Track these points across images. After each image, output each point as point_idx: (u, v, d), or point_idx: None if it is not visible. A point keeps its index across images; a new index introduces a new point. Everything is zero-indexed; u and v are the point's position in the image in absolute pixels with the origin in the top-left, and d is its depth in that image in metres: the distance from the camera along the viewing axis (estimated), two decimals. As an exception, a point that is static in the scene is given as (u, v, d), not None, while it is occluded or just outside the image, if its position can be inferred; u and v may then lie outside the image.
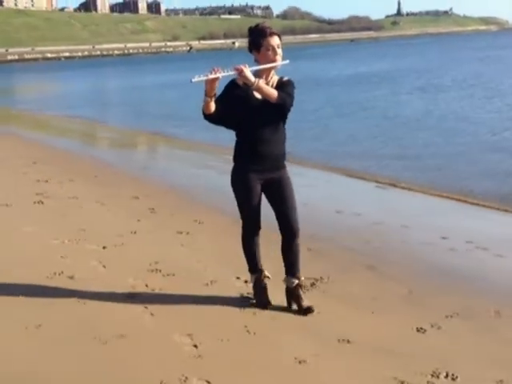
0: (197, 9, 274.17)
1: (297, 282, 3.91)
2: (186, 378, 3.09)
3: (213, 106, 3.60)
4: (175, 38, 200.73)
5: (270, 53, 3.65)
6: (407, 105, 18.87)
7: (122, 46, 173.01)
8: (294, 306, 3.94)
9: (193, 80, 3.43)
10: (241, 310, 4.01)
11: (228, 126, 3.82)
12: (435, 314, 4.02)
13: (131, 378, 3.12)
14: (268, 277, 4.00)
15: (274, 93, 3.58)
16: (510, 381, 3.16)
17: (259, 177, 3.78)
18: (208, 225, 6.34)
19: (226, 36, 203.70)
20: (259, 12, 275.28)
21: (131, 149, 13.70)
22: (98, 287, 4.28)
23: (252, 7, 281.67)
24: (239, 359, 3.33)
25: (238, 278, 4.60)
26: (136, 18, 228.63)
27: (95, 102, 27.68)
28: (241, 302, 4.13)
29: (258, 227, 3.95)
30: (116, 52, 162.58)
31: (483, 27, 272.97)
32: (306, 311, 3.85)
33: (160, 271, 4.69)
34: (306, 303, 3.88)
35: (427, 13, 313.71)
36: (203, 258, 5.14)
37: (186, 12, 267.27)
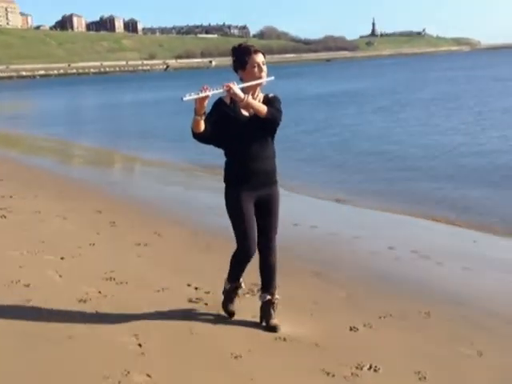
0: (174, 28, 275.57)
1: (268, 297, 3.99)
2: (128, 372, 3.32)
3: (202, 125, 3.63)
4: (152, 57, 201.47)
5: (255, 70, 3.73)
6: (367, 124, 19.40)
7: (98, 64, 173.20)
8: (264, 323, 4.01)
9: (184, 98, 3.47)
10: (188, 313, 4.25)
11: (217, 144, 3.84)
12: (369, 315, 4.32)
13: (77, 374, 3.34)
14: (242, 287, 4.15)
15: (264, 108, 3.64)
16: (428, 372, 3.45)
17: (252, 194, 3.81)
18: (167, 237, 6.57)
19: (203, 55, 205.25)
20: (236, 31, 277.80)
21: (99, 166, 13.85)
22: (51, 294, 4.50)
23: (229, 26, 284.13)
24: (180, 356, 3.57)
25: (188, 285, 4.86)
26: (113, 36, 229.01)
27: (68, 120, 27.83)
28: (189, 306, 4.38)
29: (251, 255, 3.89)
30: (92, 70, 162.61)
31: (455, 47, 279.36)
32: (270, 329, 3.92)
33: (114, 279, 4.92)
34: (273, 322, 3.95)
35: (401, 34, 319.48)
36: (158, 267, 5.38)
37: (163, 31, 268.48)
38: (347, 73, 74.37)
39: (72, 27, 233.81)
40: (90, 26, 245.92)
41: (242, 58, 3.75)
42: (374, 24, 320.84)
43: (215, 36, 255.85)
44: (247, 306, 4.31)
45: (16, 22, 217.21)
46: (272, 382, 3.33)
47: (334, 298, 4.73)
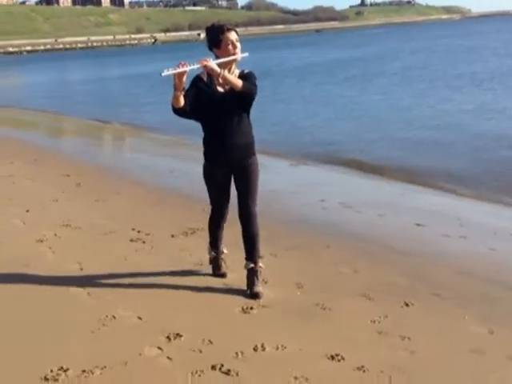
0: (161, 1, 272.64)
1: (251, 265, 4.15)
2: (68, 287, 4.24)
3: (182, 100, 3.76)
4: (139, 31, 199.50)
5: (229, 47, 3.85)
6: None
7: (85, 39, 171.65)
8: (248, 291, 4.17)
9: (162, 74, 3.62)
10: (127, 248, 5.16)
11: (196, 118, 4.00)
12: (279, 247, 5.24)
13: (32, 294, 4.25)
14: (223, 252, 4.47)
15: (240, 82, 3.77)
16: (305, 283, 4.38)
17: (228, 169, 4.04)
18: (125, 195, 7.46)
19: (191, 28, 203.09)
20: (224, 3, 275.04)
21: (76, 136, 14.67)
22: (15, 236, 5.45)
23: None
24: (116, 278, 4.49)
25: (133, 229, 5.76)
26: (99, 10, 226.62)
27: (53, 94, 28.32)
28: (130, 244, 5.29)
29: (224, 213, 4.27)
30: (79, 45, 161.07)
31: (446, 16, 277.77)
32: (253, 296, 4.08)
33: (69, 226, 5.84)
34: (256, 289, 4.11)
35: (390, 3, 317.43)
36: (110, 217, 6.28)
37: (150, 4, 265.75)
38: (335, 43, 74.70)
39: (58, 2, 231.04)
40: (76, 1, 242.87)
41: (216, 37, 3.87)
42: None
43: (203, 8, 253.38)
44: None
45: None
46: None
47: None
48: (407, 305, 4.06)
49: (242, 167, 4.04)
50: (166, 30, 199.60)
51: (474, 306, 4.08)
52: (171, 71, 3.65)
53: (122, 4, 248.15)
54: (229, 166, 4.03)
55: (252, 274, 4.17)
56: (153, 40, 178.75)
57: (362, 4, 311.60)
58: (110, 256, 4.95)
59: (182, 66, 3.67)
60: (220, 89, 3.91)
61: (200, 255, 4.95)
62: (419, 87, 19.80)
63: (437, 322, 3.82)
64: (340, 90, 20.79)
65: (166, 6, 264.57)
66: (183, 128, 9.70)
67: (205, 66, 3.72)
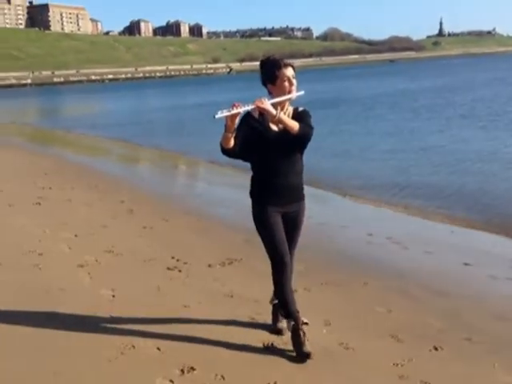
0: (237, 31, 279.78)
1: (293, 323, 3.81)
2: (96, 312, 4.34)
3: (232, 141, 3.56)
4: (215, 60, 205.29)
5: (286, 84, 3.64)
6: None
7: (163, 68, 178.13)
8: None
9: (216, 116, 3.43)
10: (163, 276, 5.24)
11: (246, 159, 3.78)
12: (314, 281, 5.18)
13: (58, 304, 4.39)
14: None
15: (296, 125, 3.56)
16: (333, 320, 4.29)
17: (279, 210, 3.75)
18: (172, 222, 7.60)
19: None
20: (299, 34, 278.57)
21: (139, 164, 15.14)
22: (58, 260, 5.63)
23: (292, 29, 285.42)
24: (147, 306, 4.56)
25: (172, 257, 5.85)
26: (178, 40, 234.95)
27: (127, 121, 29.36)
28: (166, 272, 5.37)
29: (288, 263, 3.79)
30: (158, 74, 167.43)
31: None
32: (304, 355, 3.70)
33: (112, 252, 5.99)
34: (305, 349, 3.70)
35: (469, 33, 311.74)
36: (153, 244, 6.41)
37: (227, 34, 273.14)
38: (408, 73, 73.78)
39: (139, 32, 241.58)
40: (157, 31, 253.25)
41: (271, 72, 3.66)
42: (441, 23, 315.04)
43: (278, 39, 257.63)
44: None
45: (86, 28, 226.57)
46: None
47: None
48: (436, 349, 3.90)
49: (292, 213, 3.81)
50: (242, 60, 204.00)
51: (506, 354, 3.86)
52: (225, 113, 3.45)
53: (200, 34, 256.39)
54: (279, 209, 3.76)
55: (296, 333, 3.77)
56: (228, 70, 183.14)
57: (440, 34, 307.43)
58: (145, 284, 5.03)
59: (236, 107, 3.46)
60: (273, 127, 3.68)
61: (232, 286, 4.97)
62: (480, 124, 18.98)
63: (464, 368, 3.65)
64: (402, 122, 20.42)
65: (242, 36, 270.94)
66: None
67: (260, 108, 3.53)
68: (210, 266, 5.63)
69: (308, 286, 5.03)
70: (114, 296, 4.71)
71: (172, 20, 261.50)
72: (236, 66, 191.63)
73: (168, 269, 5.49)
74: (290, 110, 3.75)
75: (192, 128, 23.12)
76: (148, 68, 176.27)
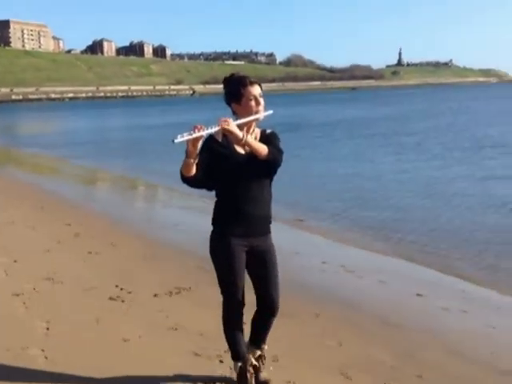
0: (202, 54, 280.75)
1: (259, 353, 3.62)
2: (27, 347, 4.02)
3: (194, 168, 3.18)
4: (179, 82, 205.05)
5: (252, 103, 3.30)
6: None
7: (126, 88, 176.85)
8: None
9: (175, 141, 3.03)
10: (101, 305, 4.95)
11: (210, 187, 3.40)
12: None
13: (-14, 348, 4.06)
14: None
15: (265, 148, 3.23)
16: (285, 357, 4.08)
17: (243, 243, 3.34)
18: (121, 248, 7.30)
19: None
20: (263, 59, 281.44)
21: (91, 185, 14.73)
22: (-8, 288, 5.26)
23: (256, 54, 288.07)
24: (83, 340, 4.27)
25: (116, 286, 5.56)
26: (141, 61, 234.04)
27: (85, 141, 28.82)
28: (105, 302, 5.08)
29: (243, 304, 3.47)
30: (120, 94, 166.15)
31: (482, 79, 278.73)
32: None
33: (53, 279, 5.66)
34: (263, 376, 3.62)
35: (427, 64, 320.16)
36: (97, 272, 6.10)
37: (191, 57, 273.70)
38: (369, 101, 75.14)
39: (102, 52, 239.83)
40: (120, 51, 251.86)
41: (236, 90, 3.32)
42: (400, 54, 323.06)
43: (242, 63, 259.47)
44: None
45: (48, 45, 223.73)
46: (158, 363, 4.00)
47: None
48: (385, 387, 3.73)
49: (260, 245, 3.39)
50: (205, 83, 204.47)
51: (457, 393, 3.73)
52: (186, 137, 3.07)
53: (164, 56, 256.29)
54: (245, 241, 3.35)
55: (258, 360, 3.60)
56: (191, 92, 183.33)
57: (399, 64, 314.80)
58: (83, 316, 4.73)
59: (199, 129, 3.09)
60: (240, 150, 3.31)
61: (177, 318, 4.73)
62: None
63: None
64: (358, 148, 20.63)
65: (206, 59, 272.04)
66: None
67: (225, 130, 3.15)
68: (155, 295, 5.36)
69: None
70: (48, 329, 4.40)
71: (136, 40, 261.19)
72: (199, 88, 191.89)
73: (110, 299, 5.20)
74: (257, 131, 3.41)
75: (150, 149, 22.81)
76: (110, 88, 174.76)
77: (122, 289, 5.48)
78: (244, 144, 3.22)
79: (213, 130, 3.15)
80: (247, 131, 3.30)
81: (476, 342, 4.67)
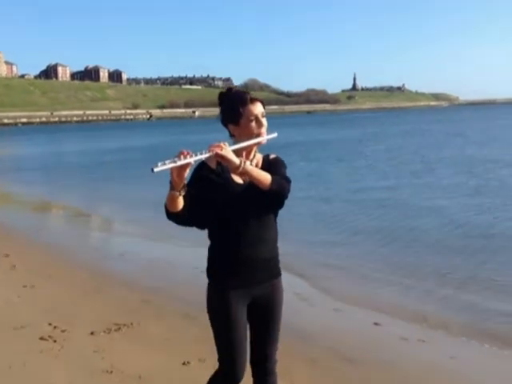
0: (159, 78, 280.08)
1: None
2: None
3: (181, 203, 2.58)
4: (135, 106, 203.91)
5: (252, 124, 2.74)
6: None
7: (81, 112, 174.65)
8: None
9: (155, 169, 2.39)
10: (31, 346, 4.49)
11: (202, 225, 2.79)
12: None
13: None
14: None
15: (268, 178, 2.64)
16: None
17: (246, 295, 2.74)
18: (59, 280, 6.82)
19: (186, 105, 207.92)
20: (220, 83, 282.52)
21: (35, 212, 14.05)
22: None
23: (213, 78, 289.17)
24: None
25: (49, 324, 5.10)
26: (97, 86, 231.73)
27: (33, 167, 27.97)
28: (35, 342, 4.62)
29: (242, 375, 2.79)
30: (75, 118, 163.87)
31: (434, 103, 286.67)
32: None
33: (-20, 315, 5.16)
34: None
35: (381, 88, 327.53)
36: (30, 308, 5.62)
37: (148, 81, 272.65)
38: (323, 124, 76.06)
39: (56, 76, 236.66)
40: (75, 76, 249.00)
41: (233, 108, 2.76)
42: (355, 78, 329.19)
43: (199, 87, 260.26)
44: None
45: (0, 70, 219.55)
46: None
47: (189, 335, 5.00)
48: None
49: (265, 296, 2.78)
50: (162, 107, 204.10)
51: None
52: (169, 165, 2.43)
53: (120, 80, 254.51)
54: (247, 293, 2.74)
55: None
56: (148, 116, 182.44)
57: (354, 88, 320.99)
58: (8, 359, 4.27)
59: (185, 155, 2.47)
60: (238, 179, 2.75)
61: (113, 359, 4.32)
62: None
63: None
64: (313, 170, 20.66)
65: (163, 83, 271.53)
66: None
67: (219, 157, 2.57)
68: (92, 333, 4.92)
69: (203, 356, 4.43)
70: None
71: (91, 65, 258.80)
72: (156, 112, 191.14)
73: (41, 339, 4.74)
74: (259, 157, 2.86)
75: (103, 174, 22.22)
76: (64, 112, 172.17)
77: (55, 327, 5.02)
78: (242, 172, 2.62)
79: (203, 156, 2.55)
80: (246, 157, 2.76)
81: (435, 374, 4.41)
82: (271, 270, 2.81)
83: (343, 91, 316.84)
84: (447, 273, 7.45)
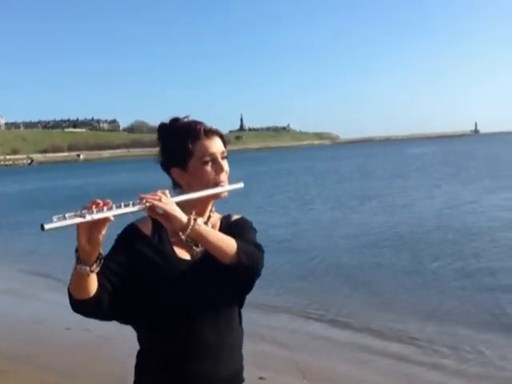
0: (39, 122, 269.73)
1: None
2: None
3: (93, 284, 1.68)
4: (15, 152, 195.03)
5: (208, 168, 1.91)
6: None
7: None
8: None
9: (47, 226, 1.48)
10: None
11: (127, 319, 1.88)
12: None
13: None
14: None
15: (231, 243, 1.79)
16: None
17: None
18: None
19: (70, 149, 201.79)
20: (106, 125, 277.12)
21: None
22: None
23: (98, 121, 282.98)
24: None
25: None
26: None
27: None
28: None
29: None
30: None
31: (317, 141, 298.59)
32: None
33: None
34: None
35: (268, 128, 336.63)
36: None
37: (28, 125, 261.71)
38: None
39: None
40: None
41: (180, 146, 1.90)
42: (242, 119, 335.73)
43: (83, 130, 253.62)
44: None
45: None
46: None
47: None
48: None
49: None
50: (44, 151, 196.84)
51: None
52: (70, 220, 1.52)
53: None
54: None
55: None
56: (29, 161, 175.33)
57: (241, 129, 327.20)
58: None
59: (100, 207, 1.58)
60: (182, 254, 1.87)
61: None
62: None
63: None
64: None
65: (44, 127, 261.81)
66: None
67: (154, 213, 1.70)
68: None
69: None
70: None
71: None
72: (38, 157, 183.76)
73: None
74: (217, 218, 1.99)
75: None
76: None
77: None
78: (192, 237, 1.75)
79: (130, 209, 1.64)
80: (201, 214, 1.89)
81: None
82: None
83: (231, 132, 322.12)
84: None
